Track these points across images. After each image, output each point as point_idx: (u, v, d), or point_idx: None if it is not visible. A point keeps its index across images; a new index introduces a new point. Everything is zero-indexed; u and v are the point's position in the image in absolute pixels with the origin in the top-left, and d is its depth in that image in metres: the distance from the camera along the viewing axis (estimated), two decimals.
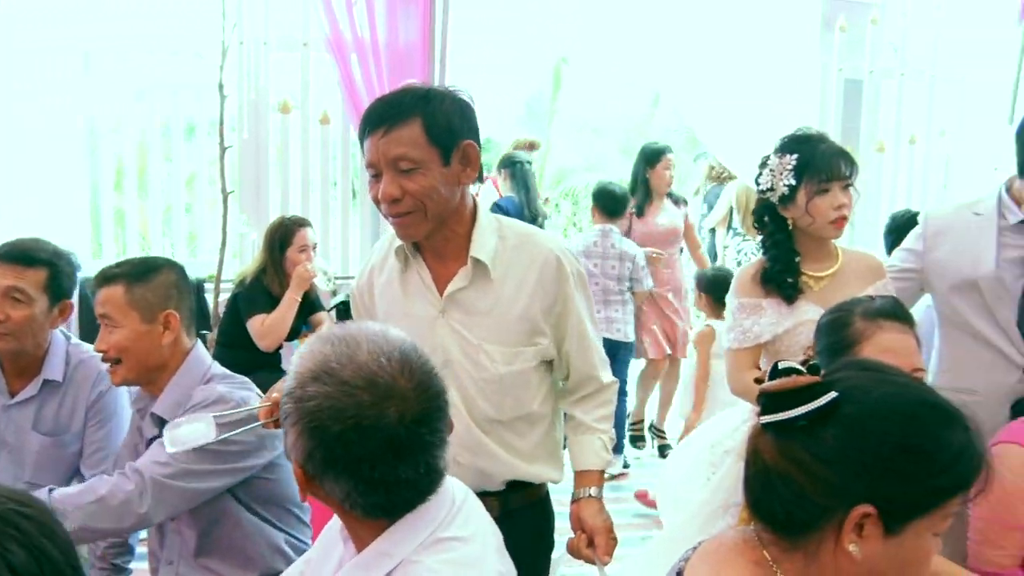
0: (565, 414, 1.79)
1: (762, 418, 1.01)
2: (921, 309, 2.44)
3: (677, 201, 4.51)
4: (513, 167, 4.58)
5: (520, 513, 1.66)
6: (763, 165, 2.14)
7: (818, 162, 2.05)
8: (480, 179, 1.76)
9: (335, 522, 1.20)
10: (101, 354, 1.81)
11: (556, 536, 1.82)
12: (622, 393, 4.18)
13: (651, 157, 4.35)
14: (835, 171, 2.05)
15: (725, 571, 1.03)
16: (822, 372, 1.05)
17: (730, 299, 2.20)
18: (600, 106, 11.16)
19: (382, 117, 1.52)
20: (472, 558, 1.09)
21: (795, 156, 2.06)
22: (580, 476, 1.74)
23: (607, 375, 1.77)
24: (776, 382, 1.01)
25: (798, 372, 1.03)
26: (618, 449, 4.16)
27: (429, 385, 1.06)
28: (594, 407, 1.76)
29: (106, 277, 1.80)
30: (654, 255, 4.21)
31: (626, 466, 4.33)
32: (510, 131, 10.10)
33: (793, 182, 2.05)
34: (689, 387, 3.91)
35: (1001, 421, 2.02)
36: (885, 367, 1.11)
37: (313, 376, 1.03)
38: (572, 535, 1.72)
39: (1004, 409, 2.12)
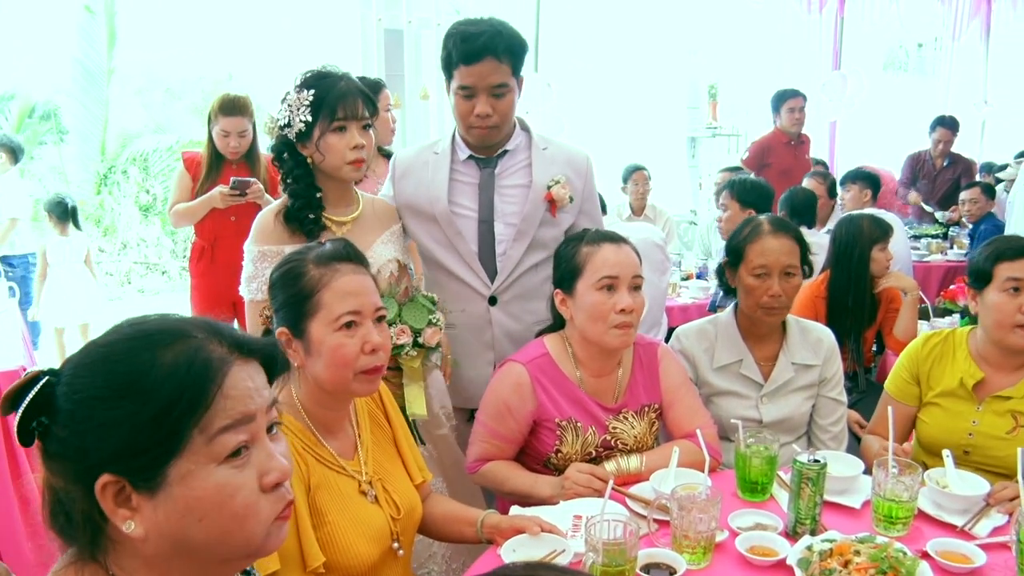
0: None
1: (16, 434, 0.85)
2: None
3: None
4: None
5: None
6: (283, 100, 2.04)
7: (334, 99, 1.98)
8: None
9: None
10: None
11: None
12: None
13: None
14: (351, 110, 2.00)
15: None
16: None
17: (249, 247, 2.08)
18: (173, 66, 10.43)
19: None
20: None
21: (312, 92, 1.99)
22: None
23: None
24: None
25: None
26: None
27: None
28: None
29: None
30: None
31: None
32: (71, 93, 8.95)
33: (309, 118, 1.98)
34: None
35: (481, 350, 2.20)
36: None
37: None
38: None
39: (483, 337, 2.27)
